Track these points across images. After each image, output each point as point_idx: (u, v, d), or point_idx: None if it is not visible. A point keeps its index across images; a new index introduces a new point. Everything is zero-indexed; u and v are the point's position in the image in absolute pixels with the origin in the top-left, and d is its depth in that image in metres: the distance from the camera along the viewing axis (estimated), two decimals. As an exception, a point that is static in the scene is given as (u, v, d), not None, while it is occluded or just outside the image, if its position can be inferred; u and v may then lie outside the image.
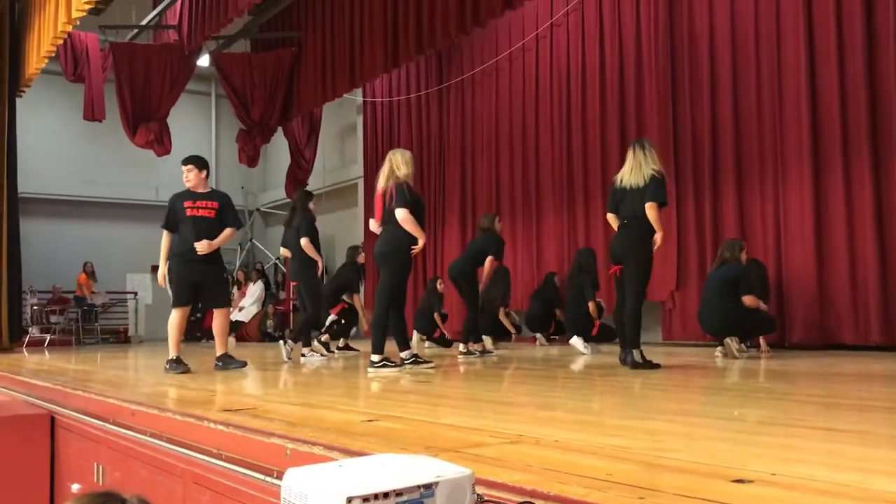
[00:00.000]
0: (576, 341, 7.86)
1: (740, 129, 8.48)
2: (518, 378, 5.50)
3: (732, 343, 6.52)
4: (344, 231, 15.00)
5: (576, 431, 2.71)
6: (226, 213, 6.38)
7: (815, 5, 7.80)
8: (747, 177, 8.40)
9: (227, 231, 6.33)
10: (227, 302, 6.48)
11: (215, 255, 6.34)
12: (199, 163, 6.49)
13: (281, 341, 7.88)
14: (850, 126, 7.48)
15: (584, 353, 7.61)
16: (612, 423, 2.98)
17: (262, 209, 18.33)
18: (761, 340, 7.19)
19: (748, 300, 6.56)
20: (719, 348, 6.68)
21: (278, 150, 15.87)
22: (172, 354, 6.20)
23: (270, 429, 2.82)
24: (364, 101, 14.44)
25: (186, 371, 6.08)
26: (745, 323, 6.65)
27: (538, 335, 9.79)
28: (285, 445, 2.62)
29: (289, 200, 15.36)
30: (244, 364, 6.35)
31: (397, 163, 6.01)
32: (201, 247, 6.18)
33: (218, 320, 6.48)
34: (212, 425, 3.11)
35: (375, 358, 5.84)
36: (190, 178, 6.41)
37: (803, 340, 7.67)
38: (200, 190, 6.41)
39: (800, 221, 7.81)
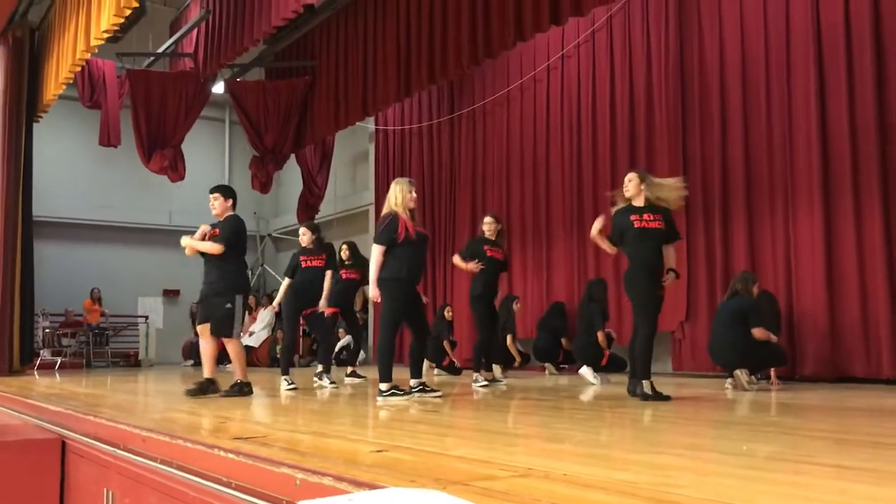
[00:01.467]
0: (585, 371, 7.84)
1: (750, 160, 8.51)
2: (527, 408, 5.49)
3: (742, 375, 6.50)
4: (354, 257, 15.03)
5: (585, 465, 2.72)
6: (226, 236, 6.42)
7: (825, 37, 7.86)
8: (757, 208, 8.42)
9: (210, 243, 6.36)
10: (227, 332, 6.38)
11: (220, 286, 6.35)
12: (224, 192, 6.56)
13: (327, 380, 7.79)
14: (861, 158, 7.50)
15: (593, 384, 7.59)
16: (621, 456, 2.98)
17: (273, 234, 18.43)
18: (772, 373, 7.16)
19: (758, 332, 6.55)
20: (729, 380, 6.66)
21: (291, 177, 15.99)
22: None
23: (280, 458, 2.83)
24: (376, 128, 14.57)
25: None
26: (756, 355, 6.64)
27: (547, 364, 9.78)
28: (295, 475, 2.63)
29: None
30: (240, 392, 6.32)
31: (391, 193, 6.08)
32: (183, 241, 6.44)
33: (227, 349, 6.53)
34: (222, 453, 3.12)
35: (384, 387, 5.85)
36: (215, 206, 6.49)
37: (814, 373, 7.64)
38: (220, 218, 6.49)
39: (810, 254, 7.81)
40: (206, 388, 6.29)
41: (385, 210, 6.07)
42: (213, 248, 6.34)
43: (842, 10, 7.71)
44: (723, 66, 8.84)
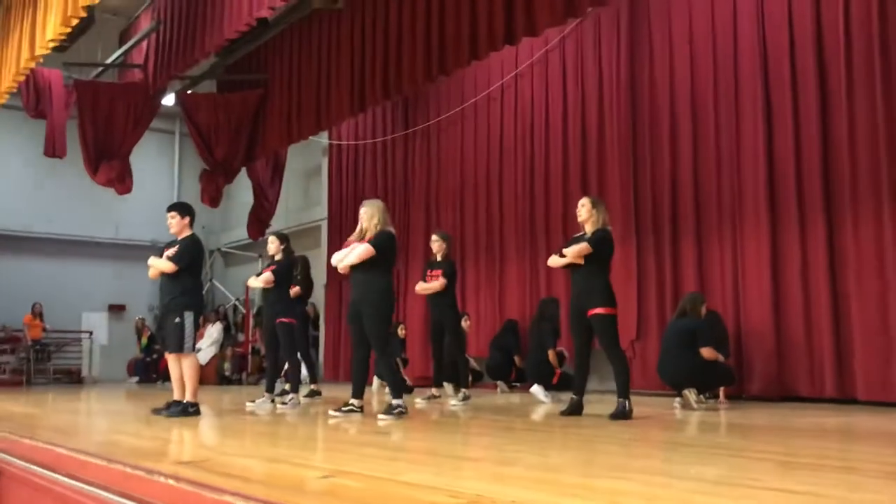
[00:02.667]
0: (536, 390, 7.85)
1: (699, 182, 8.65)
2: (478, 428, 5.46)
3: (691, 395, 6.58)
4: (306, 273, 14.88)
5: (534, 490, 2.70)
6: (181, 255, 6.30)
7: (771, 66, 8.04)
8: (706, 229, 8.55)
9: (165, 262, 6.26)
10: (176, 347, 6.27)
11: (172, 303, 6.23)
12: (181, 210, 6.44)
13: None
14: (805, 180, 7.66)
15: (544, 402, 7.60)
16: (571, 481, 2.96)
17: (223, 249, 18.17)
18: (720, 392, 7.25)
19: (706, 353, 6.64)
20: (678, 399, 6.72)
21: (240, 190, 15.79)
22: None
23: (223, 485, 2.75)
24: (330, 143, 14.49)
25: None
26: (704, 375, 6.72)
27: (499, 382, 9.77)
28: (238, 504, 2.56)
29: (250, 241, 15.32)
30: (185, 412, 6.18)
31: (382, 212, 6.17)
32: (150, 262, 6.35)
33: (172, 366, 6.38)
34: (163, 479, 3.03)
35: (398, 402, 5.84)
36: (172, 224, 6.35)
37: (761, 392, 7.75)
38: (178, 236, 6.36)
39: (757, 274, 7.94)
40: (184, 410, 6.15)
41: (379, 227, 6.01)
42: (167, 266, 6.21)
43: (786, 33, 7.89)
44: (672, 87, 8.99)
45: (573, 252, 5.78)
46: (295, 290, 8.41)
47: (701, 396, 6.74)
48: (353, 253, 5.96)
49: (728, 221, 8.30)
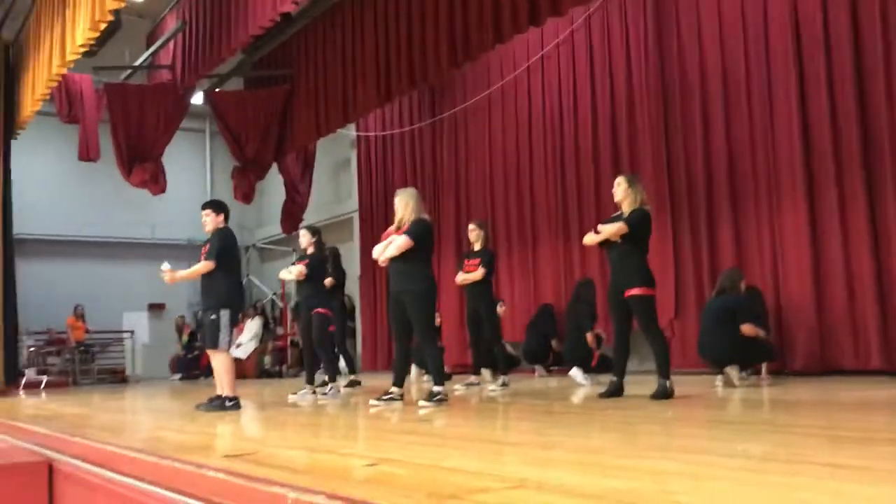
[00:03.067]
0: (575, 373, 7.83)
1: (733, 156, 8.53)
2: (518, 413, 5.46)
3: (732, 372, 6.52)
4: (339, 265, 14.99)
5: (578, 473, 2.69)
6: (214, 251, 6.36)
7: (804, 30, 7.88)
8: (742, 204, 8.44)
9: (198, 265, 6.30)
10: (210, 343, 6.33)
11: (209, 300, 6.30)
12: (215, 207, 6.50)
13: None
14: (843, 150, 7.52)
15: (583, 385, 7.58)
16: (615, 462, 2.95)
17: (257, 245, 18.34)
18: (762, 368, 7.18)
19: (747, 329, 6.56)
20: (719, 377, 6.66)
21: (273, 186, 15.91)
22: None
23: (271, 476, 2.79)
24: (358, 135, 14.52)
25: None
26: (745, 352, 6.65)
27: (537, 367, 9.76)
28: (287, 494, 2.59)
29: (284, 235, 15.44)
30: (222, 407, 6.26)
31: (416, 200, 6.20)
32: (164, 275, 6.32)
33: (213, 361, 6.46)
34: (211, 473, 3.07)
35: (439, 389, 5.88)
36: (207, 221, 6.41)
37: (804, 367, 7.65)
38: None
39: (796, 248, 7.83)
40: (221, 405, 6.24)
41: (414, 215, 6.02)
42: (204, 266, 6.25)
43: (819, 2, 7.74)
44: (702, 62, 8.86)
45: (609, 230, 5.74)
46: (329, 281, 8.47)
47: (742, 373, 6.67)
48: (392, 245, 5.97)
49: (764, 195, 8.19)
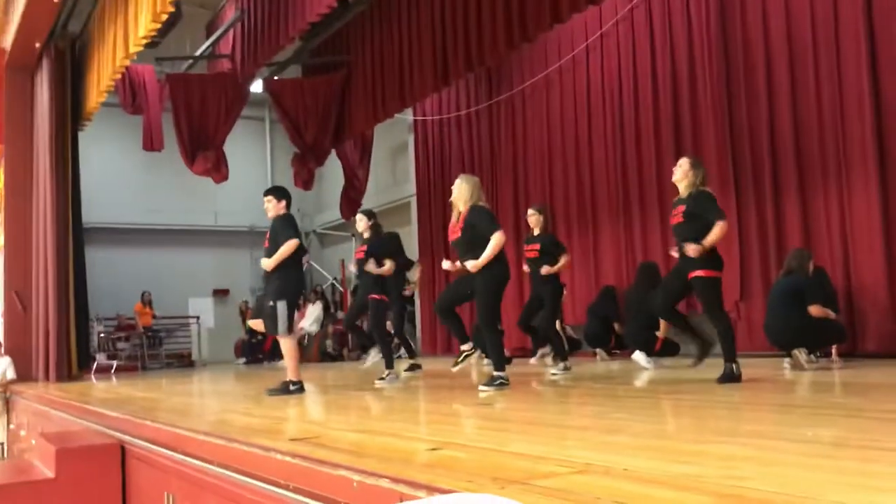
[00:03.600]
0: (638, 356, 7.73)
1: (800, 132, 8.28)
2: (580, 398, 5.42)
3: (801, 354, 6.35)
4: (398, 249, 15.08)
5: (644, 458, 2.65)
6: (278, 237, 6.42)
7: (875, 2, 7.59)
8: (810, 182, 8.19)
9: (281, 249, 6.34)
10: (273, 329, 6.43)
11: (271, 286, 6.40)
12: (276, 193, 6.58)
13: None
14: (917, 125, 7.24)
15: (646, 369, 7.48)
16: (682, 447, 2.90)
17: (317, 231, 18.55)
18: (833, 350, 6.99)
19: (816, 310, 6.39)
20: (787, 360, 6.50)
21: (332, 172, 16.07)
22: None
23: (336, 460, 2.82)
24: (415, 119, 14.53)
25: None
26: (813, 333, 6.48)
27: (598, 350, 9.67)
28: (352, 477, 2.62)
29: (343, 221, 15.57)
30: (286, 391, 6.36)
31: (476, 187, 6.13)
32: (263, 264, 6.40)
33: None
34: (279, 456, 3.13)
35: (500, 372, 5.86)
36: (269, 208, 6.50)
37: (877, 349, 7.42)
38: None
39: (867, 227, 7.57)
40: (285, 389, 6.34)
41: (471, 202, 5.99)
42: (289, 246, 6.29)
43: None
44: (767, 34, 8.60)
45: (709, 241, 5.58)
46: (386, 269, 8.50)
47: (811, 356, 6.49)
48: (489, 249, 5.81)
49: (833, 173, 7.93)
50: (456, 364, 6.18)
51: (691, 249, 5.42)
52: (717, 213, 5.50)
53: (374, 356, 7.58)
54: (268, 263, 6.37)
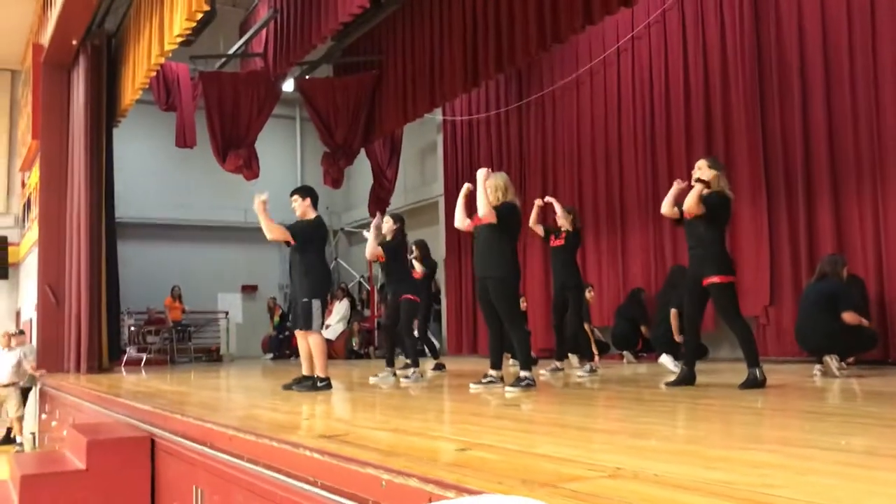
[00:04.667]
0: (665, 360, 7.69)
1: (834, 137, 8.18)
2: (608, 401, 5.40)
3: (832, 361, 6.27)
4: (425, 249, 15.11)
5: (675, 463, 2.64)
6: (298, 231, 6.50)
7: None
8: (843, 187, 8.09)
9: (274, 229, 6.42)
10: (306, 326, 6.50)
11: (301, 284, 6.45)
12: (302, 192, 6.67)
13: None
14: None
15: (673, 372, 7.42)
16: (712, 453, 2.88)
17: (345, 229, 18.63)
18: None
19: (849, 317, 6.30)
20: (818, 366, 6.43)
21: (361, 170, 16.14)
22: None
23: (365, 458, 2.83)
24: (444, 119, 14.55)
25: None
26: (846, 340, 6.39)
27: (625, 352, 9.63)
28: (380, 476, 2.63)
29: (372, 219, 15.61)
30: (314, 387, 6.40)
31: (507, 182, 6.16)
32: (261, 198, 6.43)
33: (300, 343, 6.62)
34: (307, 453, 3.15)
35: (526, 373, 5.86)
36: (295, 206, 6.58)
37: (908, 358, 7.32)
38: (302, 219, 6.56)
39: (901, 233, 7.47)
40: (312, 385, 6.40)
41: (501, 199, 6.00)
42: (280, 233, 6.40)
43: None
44: (802, 38, 8.51)
45: (689, 200, 5.59)
46: (418, 272, 8.58)
47: (843, 363, 6.41)
48: (481, 206, 5.93)
49: (868, 179, 7.83)
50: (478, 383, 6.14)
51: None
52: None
53: (382, 377, 7.63)
54: (263, 214, 6.41)
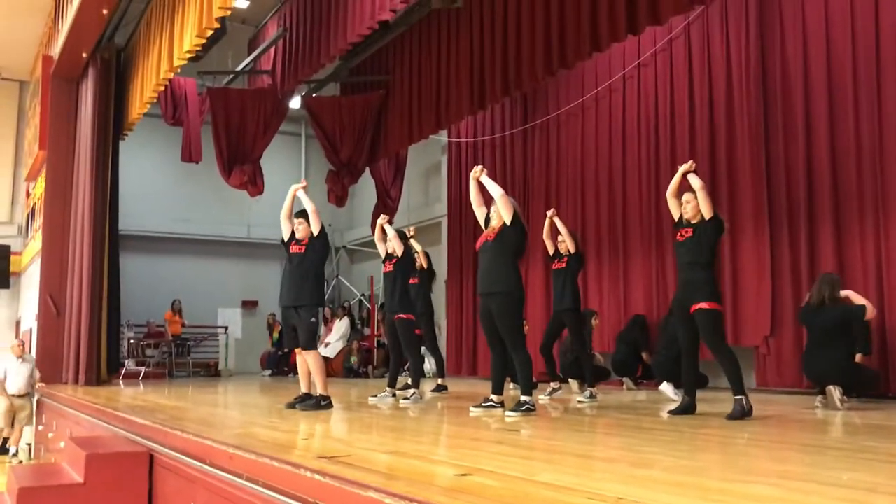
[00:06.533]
0: (665, 388, 7.65)
1: (837, 167, 8.22)
2: (608, 428, 5.40)
3: (835, 392, 6.25)
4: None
5: (676, 495, 2.64)
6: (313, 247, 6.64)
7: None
8: (846, 218, 8.11)
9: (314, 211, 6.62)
10: (313, 344, 6.50)
11: (302, 299, 6.47)
12: (307, 217, 6.72)
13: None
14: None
15: (674, 400, 7.41)
16: (713, 485, 2.88)
17: (348, 246, 18.66)
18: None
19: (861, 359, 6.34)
20: (820, 397, 6.42)
21: (364, 188, 16.18)
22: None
23: (366, 481, 2.84)
24: (449, 140, 14.61)
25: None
26: (853, 375, 6.40)
27: (625, 379, 9.61)
28: (382, 500, 2.63)
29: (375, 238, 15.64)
30: (317, 406, 6.39)
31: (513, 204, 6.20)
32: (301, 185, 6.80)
33: (299, 360, 6.64)
34: (308, 474, 3.15)
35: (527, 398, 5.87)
36: (299, 229, 6.62)
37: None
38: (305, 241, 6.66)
39: (904, 265, 7.48)
40: (315, 403, 6.40)
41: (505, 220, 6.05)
42: (316, 218, 6.59)
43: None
44: (807, 69, 8.56)
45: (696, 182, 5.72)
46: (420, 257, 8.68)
47: (844, 396, 6.40)
48: (495, 191, 6.04)
49: (870, 210, 7.85)
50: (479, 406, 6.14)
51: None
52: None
53: (382, 397, 7.64)
54: (306, 197, 6.76)
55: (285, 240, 6.81)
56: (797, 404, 6.73)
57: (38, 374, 11.29)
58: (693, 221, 5.74)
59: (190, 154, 13.59)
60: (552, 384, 7.86)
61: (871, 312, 6.41)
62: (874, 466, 3.45)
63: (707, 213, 5.67)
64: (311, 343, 6.44)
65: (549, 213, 7.87)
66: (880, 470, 3.35)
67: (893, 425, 5.28)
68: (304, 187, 6.76)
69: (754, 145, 9.00)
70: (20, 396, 11.03)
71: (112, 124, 12.10)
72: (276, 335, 16.03)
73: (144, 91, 10.94)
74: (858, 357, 6.44)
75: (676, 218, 5.92)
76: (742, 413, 5.30)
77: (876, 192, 7.80)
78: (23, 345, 11.40)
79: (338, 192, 13.61)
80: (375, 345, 15.06)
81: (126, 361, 14.04)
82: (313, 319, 6.38)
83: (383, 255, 8.00)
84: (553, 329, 7.85)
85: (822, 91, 8.38)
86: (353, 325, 15.59)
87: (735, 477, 3.12)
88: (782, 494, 2.69)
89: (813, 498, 2.64)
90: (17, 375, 11.02)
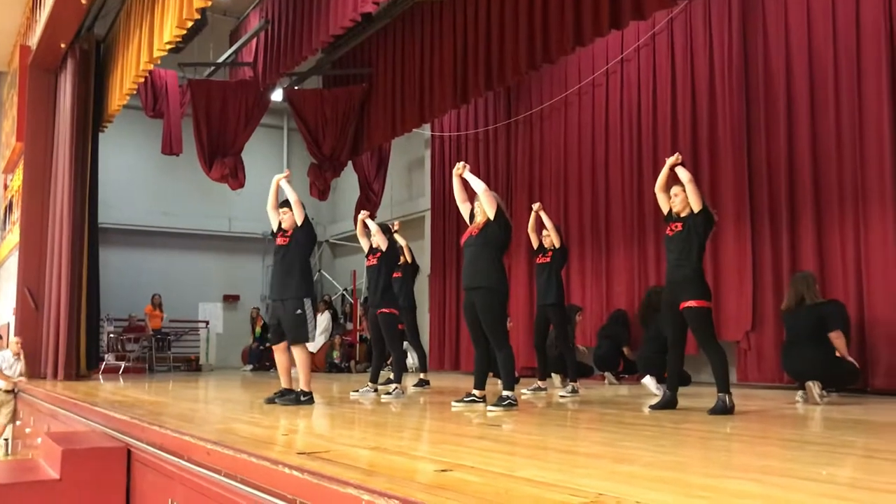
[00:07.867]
0: (648, 381, 7.69)
1: (819, 163, 8.26)
2: (590, 423, 5.39)
3: (815, 387, 6.28)
4: (410, 263, 15.07)
5: (657, 490, 2.63)
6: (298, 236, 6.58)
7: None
8: (826, 214, 8.16)
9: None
10: (302, 338, 6.41)
11: (287, 292, 6.40)
12: (290, 206, 6.65)
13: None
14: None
15: (655, 395, 7.43)
16: (694, 481, 2.87)
17: (330, 240, 18.58)
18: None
19: (835, 336, 6.34)
20: (800, 392, 6.45)
21: (347, 183, 16.11)
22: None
23: (346, 477, 2.81)
24: (432, 135, 14.56)
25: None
26: (833, 370, 6.43)
27: (607, 374, 9.63)
28: (361, 497, 2.61)
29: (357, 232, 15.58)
30: (297, 401, 6.36)
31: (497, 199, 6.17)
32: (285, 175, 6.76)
33: (278, 356, 6.59)
34: (287, 470, 3.12)
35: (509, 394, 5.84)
36: (285, 219, 6.55)
37: (887, 386, 7.36)
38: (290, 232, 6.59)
39: (883, 260, 7.53)
40: (295, 398, 6.35)
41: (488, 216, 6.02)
42: (297, 203, 6.50)
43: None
44: (789, 66, 8.60)
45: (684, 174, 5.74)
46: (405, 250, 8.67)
47: (824, 391, 6.43)
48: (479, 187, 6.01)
49: (850, 206, 7.90)
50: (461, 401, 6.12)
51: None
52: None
53: (363, 392, 7.61)
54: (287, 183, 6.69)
55: (274, 231, 6.75)
56: (778, 399, 6.77)
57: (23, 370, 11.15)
58: (682, 215, 5.73)
59: (171, 147, 13.46)
60: (539, 383, 7.84)
61: (838, 340, 6.44)
62: (853, 461, 3.46)
63: (696, 206, 5.64)
64: (299, 337, 6.36)
65: (535, 206, 7.86)
66: (859, 465, 3.36)
67: (872, 420, 5.32)
68: (286, 177, 6.67)
69: (736, 140, 9.03)
70: (7, 392, 10.94)
71: (91, 116, 11.95)
72: (258, 329, 15.95)
73: (124, 82, 10.82)
74: (837, 337, 6.44)
75: (666, 212, 5.92)
76: (724, 409, 5.32)
77: (856, 189, 7.84)
78: (20, 342, 11.24)
79: (320, 186, 13.54)
80: (358, 339, 15.01)
81: (106, 356, 13.91)
82: (299, 311, 6.29)
83: (366, 250, 7.95)
84: (541, 324, 7.84)
85: (804, 87, 8.42)
86: (335, 319, 15.53)
87: (716, 472, 3.11)
88: (763, 490, 2.69)
89: (793, 493, 2.64)
90: (11, 371, 10.92)
